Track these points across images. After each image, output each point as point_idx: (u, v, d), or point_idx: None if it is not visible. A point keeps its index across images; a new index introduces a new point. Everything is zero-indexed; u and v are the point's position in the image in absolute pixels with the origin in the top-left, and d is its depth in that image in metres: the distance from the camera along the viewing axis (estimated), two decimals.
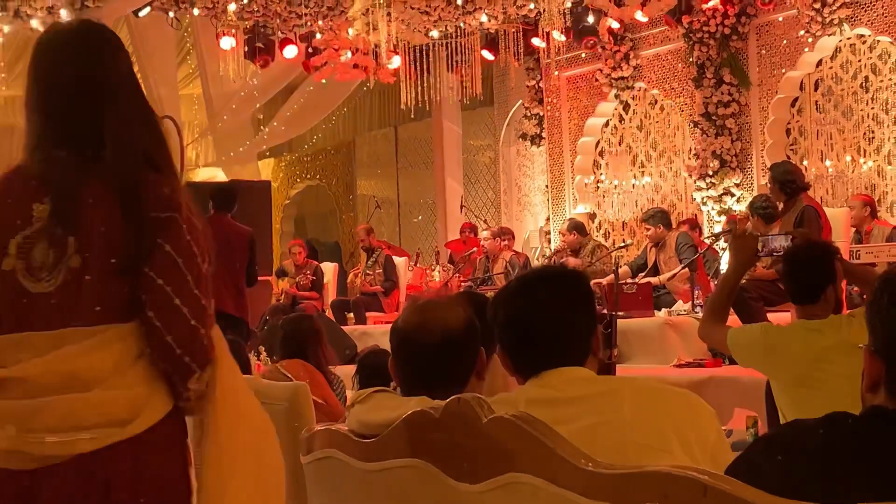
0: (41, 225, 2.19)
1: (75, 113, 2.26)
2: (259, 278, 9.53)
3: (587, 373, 2.37)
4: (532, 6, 12.30)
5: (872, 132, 11.20)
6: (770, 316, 7.32)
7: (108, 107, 2.26)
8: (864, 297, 6.92)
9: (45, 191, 2.20)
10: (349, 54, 13.35)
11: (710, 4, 11.65)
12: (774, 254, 4.67)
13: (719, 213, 11.95)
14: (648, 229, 10.00)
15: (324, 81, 14.33)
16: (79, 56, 2.28)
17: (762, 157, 11.76)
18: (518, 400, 2.30)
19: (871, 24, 10.85)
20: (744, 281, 4.87)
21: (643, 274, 9.99)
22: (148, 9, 12.28)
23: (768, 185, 8.52)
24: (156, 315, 2.15)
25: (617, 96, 13.53)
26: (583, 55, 13.56)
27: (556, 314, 2.41)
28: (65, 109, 2.26)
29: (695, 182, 12.30)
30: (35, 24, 11.94)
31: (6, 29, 12.46)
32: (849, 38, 11.25)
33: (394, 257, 12.91)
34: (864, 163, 11.24)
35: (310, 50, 13.56)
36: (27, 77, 2.31)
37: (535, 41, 13.01)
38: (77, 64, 2.27)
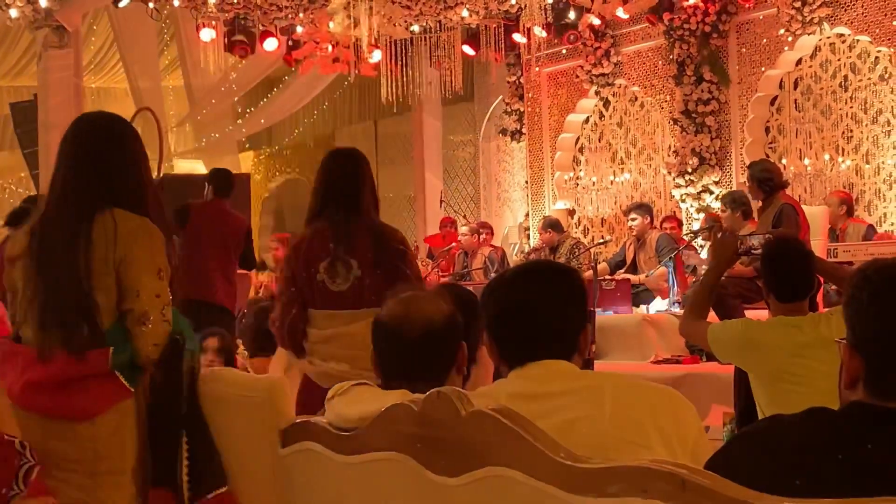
0: (333, 256, 4.24)
1: (349, 189, 4.34)
2: (238, 271, 9.53)
3: (570, 367, 2.36)
4: (513, 2, 12.30)
5: (851, 131, 11.25)
6: (748, 313, 7.35)
7: (363, 186, 4.37)
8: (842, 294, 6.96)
9: (333, 237, 4.26)
10: (330, 48, 13.32)
11: (691, 2, 11.67)
12: (752, 251, 4.70)
13: (698, 211, 11.98)
14: (635, 219, 10.03)
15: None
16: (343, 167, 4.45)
17: (741, 154, 11.80)
18: (499, 393, 2.29)
19: (851, 23, 10.90)
20: (722, 278, 4.90)
21: (622, 271, 10.02)
22: None
23: (746, 182, 8.55)
24: None
25: (597, 93, 13.55)
26: (563, 51, 13.57)
27: (549, 307, 2.40)
28: (341, 188, 4.33)
29: (674, 179, 12.33)
30: (14, 13, 11.87)
31: None
32: (828, 38, 11.30)
33: None
34: (843, 161, 11.29)
35: (290, 43, 13.53)
36: (319, 176, 4.44)
37: (516, 37, 13.01)
38: (344, 168, 4.43)
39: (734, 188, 11.35)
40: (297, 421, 2.77)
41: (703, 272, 9.62)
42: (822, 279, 5.04)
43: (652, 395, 2.30)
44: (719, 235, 4.74)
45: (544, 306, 2.39)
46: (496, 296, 2.47)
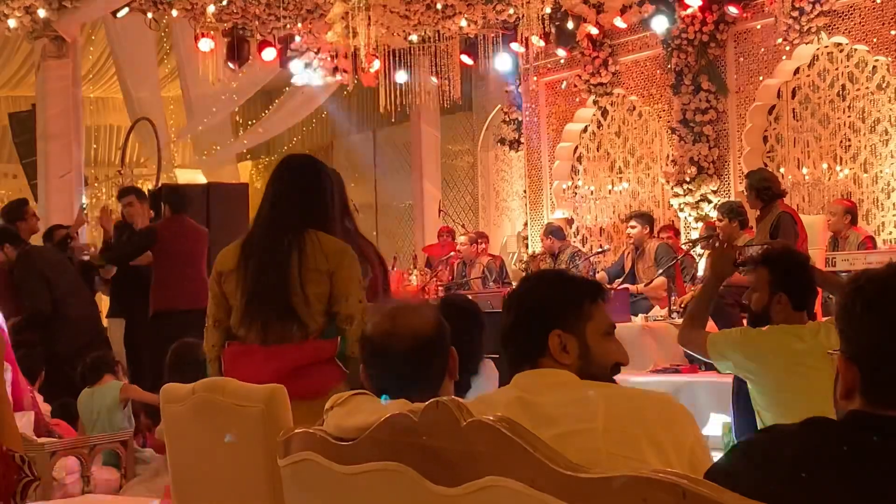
0: None
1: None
2: None
3: (567, 377, 2.35)
4: (511, 11, 12.33)
5: (849, 140, 11.26)
6: (746, 321, 7.35)
7: None
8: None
9: None
10: (328, 58, 13.35)
11: (689, 11, 11.69)
12: (750, 263, 4.73)
13: (696, 220, 11.98)
14: (634, 227, 10.04)
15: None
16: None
17: (739, 164, 11.80)
18: (497, 401, 2.28)
19: (849, 32, 10.91)
20: (721, 287, 4.94)
21: (620, 280, 10.02)
22: (126, 10, 12.23)
23: (745, 192, 8.55)
24: None
25: (595, 102, 13.56)
26: (561, 61, 13.59)
27: (532, 307, 2.46)
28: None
29: (672, 188, 12.33)
30: (12, 24, 11.88)
31: None
32: (826, 47, 11.31)
33: None
34: (841, 170, 11.29)
35: (288, 52, 13.55)
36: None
37: (514, 46, 13.03)
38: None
39: (732, 197, 11.35)
40: (296, 431, 2.77)
41: (701, 281, 9.65)
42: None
43: (647, 405, 2.27)
44: (717, 246, 4.76)
45: (533, 306, 2.46)
46: (509, 297, 2.54)
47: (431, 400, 2.23)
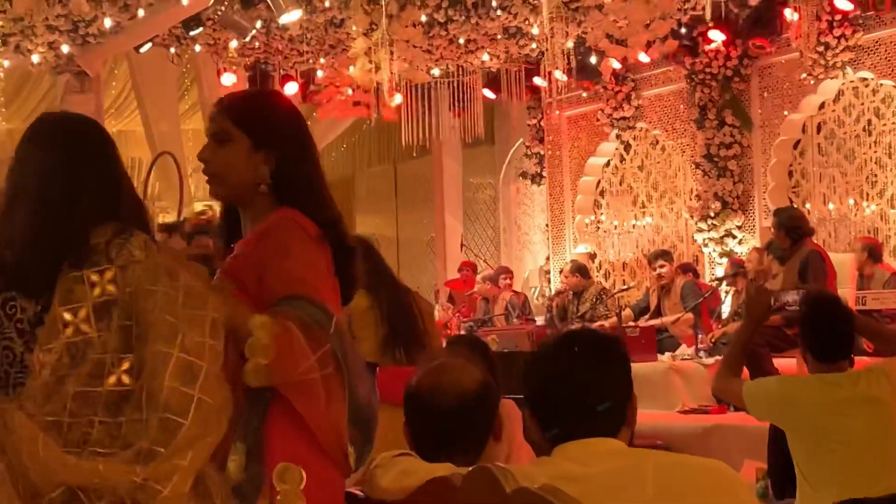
0: None
1: None
2: None
3: (614, 445, 2.22)
4: (534, 46, 12.30)
5: (875, 175, 11.17)
6: (776, 362, 7.26)
7: None
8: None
9: None
10: (350, 91, 13.34)
11: (713, 46, 11.65)
12: (787, 307, 4.66)
13: (721, 255, 11.90)
14: (663, 266, 9.94)
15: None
16: None
17: (764, 199, 11.73)
18: (539, 475, 2.14)
19: (875, 67, 10.85)
20: None
21: (646, 317, 9.94)
22: (149, 45, 12.25)
23: (773, 230, 8.47)
24: None
25: (618, 136, 13.52)
26: (584, 95, 13.56)
27: (595, 378, 2.24)
28: None
29: (696, 223, 12.26)
30: (36, 59, 11.91)
31: (6, 64, 12.44)
32: (851, 82, 11.24)
33: None
34: (867, 206, 11.20)
35: (311, 87, 13.56)
36: None
37: (537, 80, 13.01)
38: None
39: (757, 233, 11.27)
40: None
41: (726, 318, 9.58)
42: None
43: (696, 474, 2.15)
44: (752, 290, 4.68)
45: (590, 378, 2.24)
46: (538, 367, 2.31)
47: (476, 465, 2.17)
